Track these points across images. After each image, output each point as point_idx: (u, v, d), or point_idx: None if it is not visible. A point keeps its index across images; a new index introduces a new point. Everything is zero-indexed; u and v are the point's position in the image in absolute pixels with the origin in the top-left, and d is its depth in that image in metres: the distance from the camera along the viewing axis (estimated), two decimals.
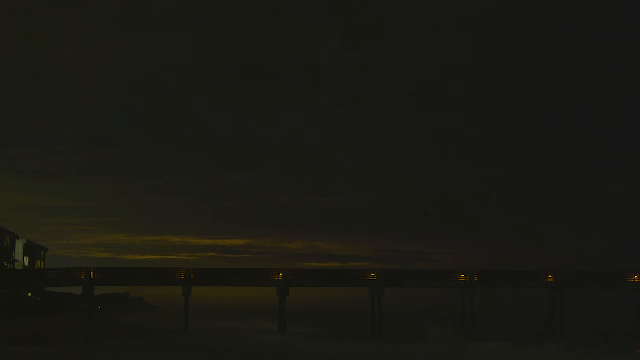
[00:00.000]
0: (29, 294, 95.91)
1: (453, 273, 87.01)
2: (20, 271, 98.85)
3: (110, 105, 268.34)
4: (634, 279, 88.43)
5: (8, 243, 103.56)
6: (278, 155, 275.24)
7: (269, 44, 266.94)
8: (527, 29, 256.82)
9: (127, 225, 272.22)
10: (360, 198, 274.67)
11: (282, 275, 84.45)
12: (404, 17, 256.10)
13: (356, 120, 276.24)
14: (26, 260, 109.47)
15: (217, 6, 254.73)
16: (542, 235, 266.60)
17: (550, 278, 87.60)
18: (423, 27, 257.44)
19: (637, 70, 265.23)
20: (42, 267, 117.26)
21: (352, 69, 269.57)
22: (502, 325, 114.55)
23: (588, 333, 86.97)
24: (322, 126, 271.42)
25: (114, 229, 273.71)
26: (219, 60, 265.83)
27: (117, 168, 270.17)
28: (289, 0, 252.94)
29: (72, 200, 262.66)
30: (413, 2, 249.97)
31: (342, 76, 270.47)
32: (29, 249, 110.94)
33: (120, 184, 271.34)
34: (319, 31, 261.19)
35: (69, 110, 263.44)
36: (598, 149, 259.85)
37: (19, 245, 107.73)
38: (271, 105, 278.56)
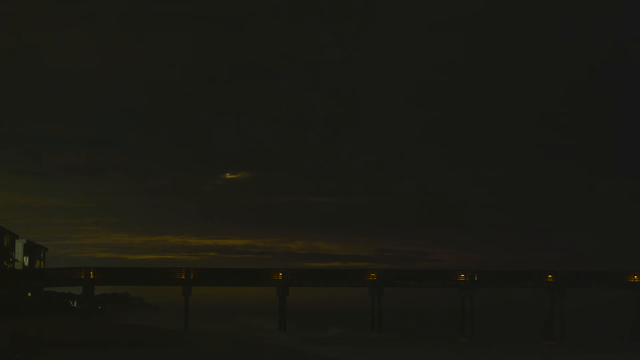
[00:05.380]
0: (29, 294, 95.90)
1: (453, 273, 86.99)
2: (20, 271, 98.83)
3: (110, 105, 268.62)
4: (634, 279, 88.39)
5: (8, 243, 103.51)
6: (278, 155, 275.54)
7: (270, 44, 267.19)
8: (526, 28, 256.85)
9: (127, 225, 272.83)
10: (361, 198, 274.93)
11: (282, 275, 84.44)
12: (404, 17, 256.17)
13: (356, 120, 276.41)
14: (26, 260, 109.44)
15: (218, 7, 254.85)
16: (542, 235, 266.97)
17: (550, 278, 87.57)
18: (423, 27, 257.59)
19: (638, 70, 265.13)
20: (42, 267, 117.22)
21: (352, 69, 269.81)
22: (501, 325, 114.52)
23: (588, 333, 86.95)
24: (322, 126, 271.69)
25: (114, 229, 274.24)
26: (220, 61, 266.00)
27: (117, 168, 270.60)
28: (290, 1, 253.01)
29: (72, 200, 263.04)
30: (413, 2, 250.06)
31: (342, 76, 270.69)
32: (29, 249, 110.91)
33: (121, 184, 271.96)
34: (319, 31, 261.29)
35: (69, 110, 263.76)
36: (598, 149, 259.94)
37: (19, 245, 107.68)
38: (271, 105, 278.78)
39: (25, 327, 63.94)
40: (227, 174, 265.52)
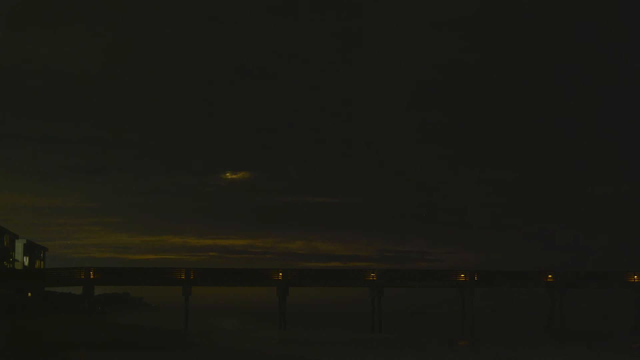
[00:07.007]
0: (29, 294, 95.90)
1: (453, 273, 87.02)
2: (20, 271, 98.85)
3: (110, 105, 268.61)
4: (634, 279, 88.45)
5: (8, 243, 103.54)
6: (278, 156, 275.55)
7: (269, 44, 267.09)
8: (528, 28, 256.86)
9: (127, 225, 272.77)
10: (360, 198, 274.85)
11: (282, 275, 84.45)
12: (405, 17, 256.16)
13: (356, 120, 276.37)
14: (26, 260, 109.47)
15: (217, 7, 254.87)
16: (542, 235, 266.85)
17: (550, 278, 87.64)
18: (424, 27, 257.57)
19: (638, 70, 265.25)
20: (42, 267, 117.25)
21: (352, 69, 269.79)
22: (502, 326, 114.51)
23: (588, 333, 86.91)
24: (322, 126, 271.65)
25: (114, 229, 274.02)
26: (219, 61, 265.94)
27: (117, 168, 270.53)
28: (290, 0, 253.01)
29: (73, 200, 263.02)
30: (414, 2, 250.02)
31: (342, 76, 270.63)
32: (29, 249, 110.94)
33: (121, 184, 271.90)
34: (319, 31, 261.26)
35: (69, 110, 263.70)
36: (599, 149, 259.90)
37: (19, 245, 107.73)
38: (271, 105, 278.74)
39: (25, 327, 63.93)
40: (227, 174, 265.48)
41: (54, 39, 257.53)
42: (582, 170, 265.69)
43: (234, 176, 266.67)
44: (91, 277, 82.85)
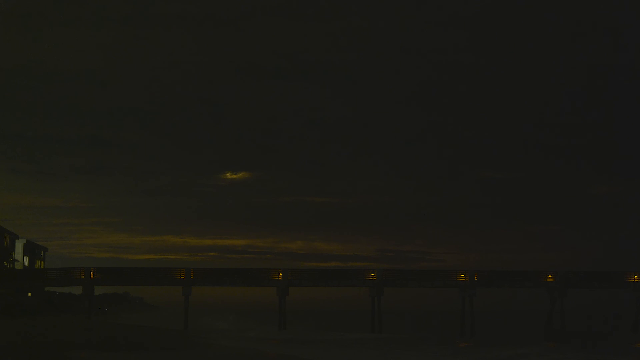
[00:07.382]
0: (29, 294, 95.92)
1: (453, 273, 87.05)
2: (20, 271, 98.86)
3: (110, 105, 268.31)
4: (634, 279, 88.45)
5: (8, 243, 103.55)
6: (278, 155, 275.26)
7: (269, 44, 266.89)
8: (528, 29, 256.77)
9: (127, 225, 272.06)
10: (360, 198, 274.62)
11: (282, 275, 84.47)
12: (405, 16, 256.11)
13: (356, 120, 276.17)
14: (26, 260, 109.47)
15: (218, 6, 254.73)
16: (542, 235, 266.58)
17: (550, 278, 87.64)
18: (424, 27, 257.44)
19: (638, 70, 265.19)
20: (42, 267, 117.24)
21: (352, 69, 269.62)
22: (502, 326, 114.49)
23: (588, 333, 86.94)
24: (322, 126, 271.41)
25: (114, 229, 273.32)
26: (220, 61, 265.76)
27: (117, 168, 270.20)
28: (290, 0, 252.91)
29: (73, 200, 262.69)
30: (414, 2, 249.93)
31: (342, 76, 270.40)
32: (29, 249, 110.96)
33: (121, 184, 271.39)
34: (319, 31, 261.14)
35: (69, 110, 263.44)
36: (599, 149, 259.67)
37: (19, 245, 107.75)
38: (271, 105, 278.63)
39: (25, 327, 63.92)
40: (227, 174, 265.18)
41: (54, 39, 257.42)
42: (582, 170, 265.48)
43: (234, 176, 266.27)
44: (91, 277, 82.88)
